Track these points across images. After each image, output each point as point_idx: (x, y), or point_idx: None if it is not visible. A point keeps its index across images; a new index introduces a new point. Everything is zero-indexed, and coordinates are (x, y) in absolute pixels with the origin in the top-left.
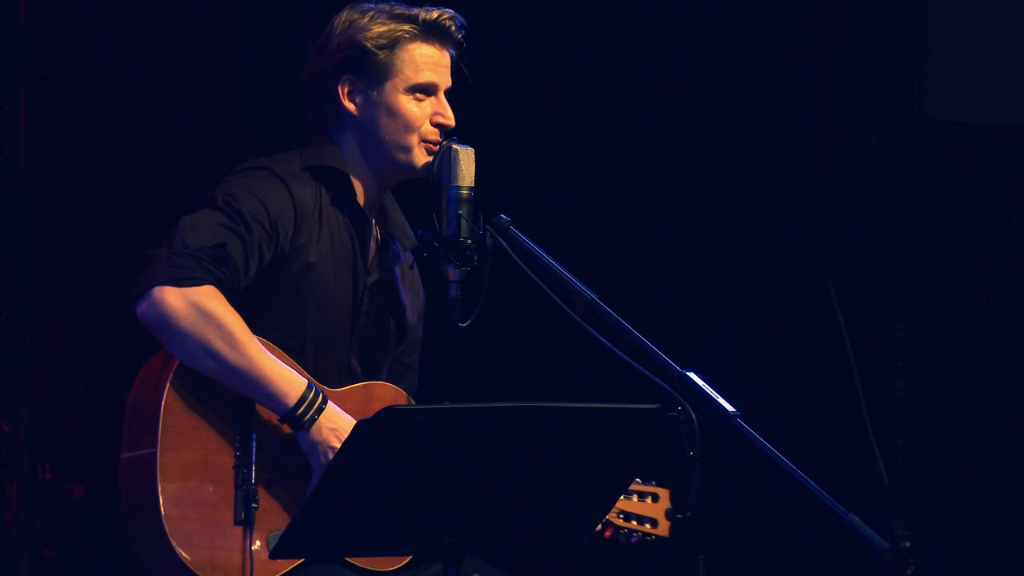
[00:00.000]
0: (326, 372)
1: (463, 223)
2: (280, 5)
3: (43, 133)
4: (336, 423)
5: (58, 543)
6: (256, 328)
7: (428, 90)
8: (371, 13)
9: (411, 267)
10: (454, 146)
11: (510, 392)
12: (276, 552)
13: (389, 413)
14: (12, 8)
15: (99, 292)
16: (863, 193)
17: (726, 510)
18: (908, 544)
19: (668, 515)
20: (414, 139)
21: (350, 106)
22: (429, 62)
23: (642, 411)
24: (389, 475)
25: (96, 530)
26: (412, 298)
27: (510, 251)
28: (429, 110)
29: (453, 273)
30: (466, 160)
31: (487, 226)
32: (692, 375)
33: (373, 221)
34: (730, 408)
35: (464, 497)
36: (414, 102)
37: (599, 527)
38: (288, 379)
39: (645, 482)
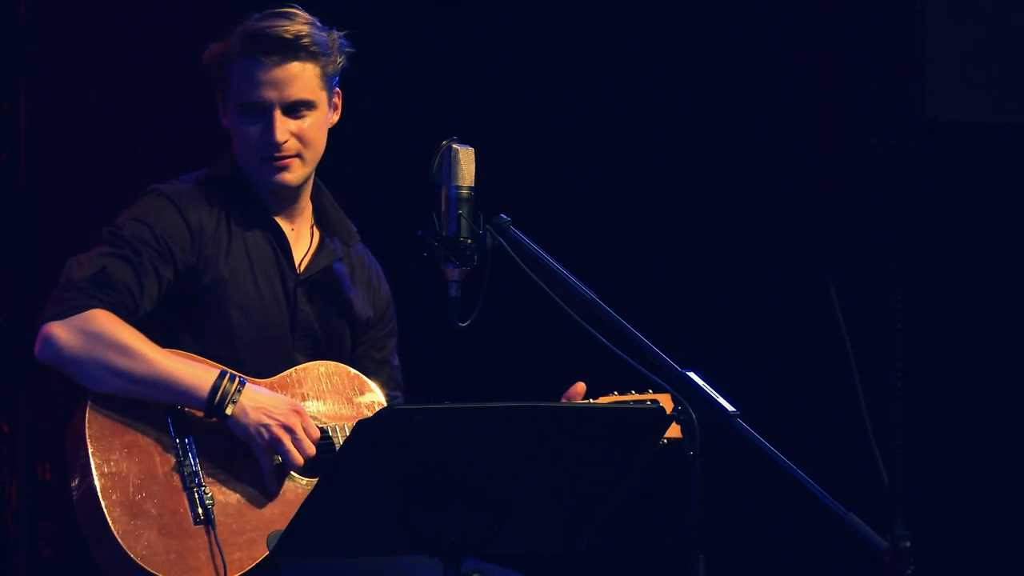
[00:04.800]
0: (272, 375)
1: (463, 223)
2: (280, 5)
3: (43, 133)
4: (259, 401)
5: (58, 543)
6: (191, 347)
7: (256, 108)
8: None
9: (345, 258)
10: (454, 146)
11: (510, 392)
12: (276, 551)
13: (388, 413)
14: (12, 8)
15: None
16: (863, 193)
17: (726, 510)
18: (908, 544)
19: (674, 417)
20: (254, 159)
21: (225, 125)
22: (249, 80)
23: (642, 411)
24: (389, 475)
25: None
26: (364, 293)
27: (510, 251)
28: (261, 128)
29: (453, 273)
30: (466, 160)
31: (487, 226)
32: (692, 375)
33: (310, 221)
34: (730, 408)
35: (464, 497)
36: (247, 122)
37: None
38: (196, 373)
39: (641, 392)
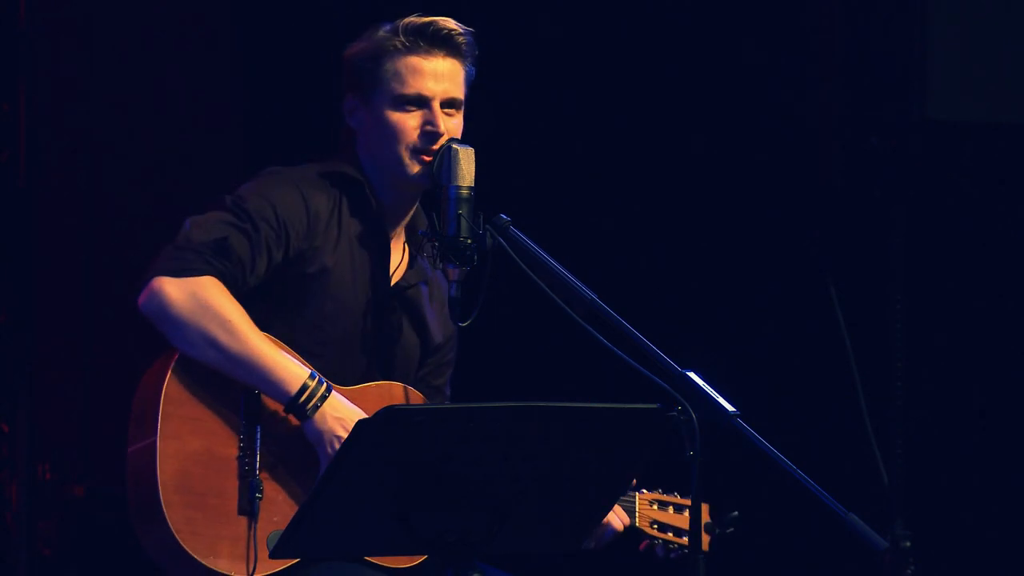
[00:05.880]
0: (345, 377)
1: (463, 223)
2: (281, 5)
3: (43, 133)
4: (341, 413)
5: (58, 543)
6: (277, 331)
7: (417, 101)
8: (373, 30)
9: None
10: (454, 146)
11: (511, 392)
12: (276, 552)
13: (389, 413)
14: (12, 8)
15: (99, 292)
16: (863, 193)
17: (726, 510)
18: (908, 544)
19: (707, 529)
20: (404, 151)
21: (354, 123)
22: (414, 72)
23: (642, 411)
24: (389, 475)
25: (96, 530)
26: (440, 318)
27: (510, 251)
28: (418, 121)
29: (453, 273)
30: (466, 160)
31: (487, 226)
32: (692, 375)
33: (403, 235)
34: (730, 408)
35: (464, 497)
36: (402, 114)
37: (627, 537)
38: (290, 368)
39: (683, 495)
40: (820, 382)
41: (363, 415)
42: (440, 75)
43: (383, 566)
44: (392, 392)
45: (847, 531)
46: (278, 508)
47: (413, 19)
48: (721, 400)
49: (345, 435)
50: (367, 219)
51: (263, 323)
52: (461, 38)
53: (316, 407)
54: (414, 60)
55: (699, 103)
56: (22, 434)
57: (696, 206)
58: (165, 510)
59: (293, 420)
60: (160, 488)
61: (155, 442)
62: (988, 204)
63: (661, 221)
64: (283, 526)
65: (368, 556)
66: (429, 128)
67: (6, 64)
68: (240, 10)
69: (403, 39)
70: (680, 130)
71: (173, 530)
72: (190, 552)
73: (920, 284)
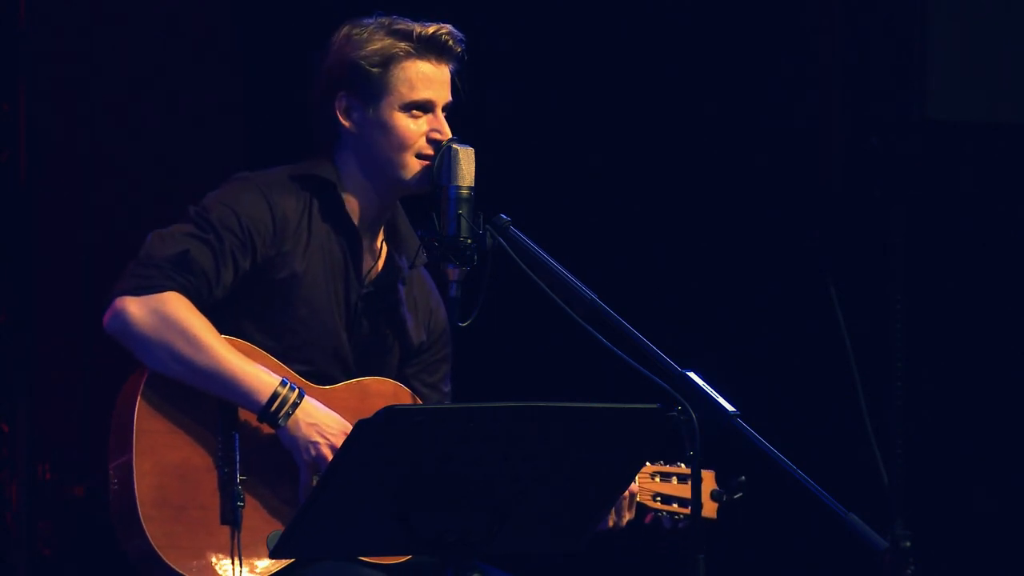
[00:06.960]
0: (325, 380)
1: (463, 223)
2: (281, 5)
3: (43, 133)
4: (315, 417)
5: (58, 543)
6: (253, 338)
7: (424, 107)
8: (369, 29)
9: (404, 278)
10: (454, 146)
11: (511, 392)
12: (276, 552)
13: (389, 413)
14: (12, 8)
15: (99, 292)
16: (863, 193)
17: (726, 510)
18: (908, 544)
19: (714, 496)
20: (409, 156)
21: (347, 123)
22: (424, 79)
23: (642, 411)
24: (389, 475)
25: (96, 530)
26: (420, 316)
27: (510, 251)
28: (425, 127)
29: (453, 273)
30: (466, 160)
31: (487, 226)
32: (692, 375)
33: (380, 236)
34: (730, 408)
35: (464, 497)
36: (409, 119)
37: (633, 514)
38: (260, 377)
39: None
40: (820, 382)
41: (338, 418)
42: (444, 83)
43: (378, 563)
44: (374, 389)
45: (847, 531)
46: (260, 515)
47: (424, 25)
48: (721, 400)
49: (320, 440)
50: (339, 221)
51: (238, 330)
52: (460, 47)
53: (288, 414)
54: (425, 67)
55: (699, 103)
56: (22, 434)
57: (696, 206)
58: (145, 525)
59: (268, 429)
60: (138, 504)
61: (131, 459)
62: (988, 204)
63: (661, 221)
64: (266, 533)
65: (367, 556)
66: (436, 135)
67: (6, 64)
68: (240, 10)
69: (415, 44)
70: (680, 130)
71: (155, 545)
72: (173, 566)
73: (920, 284)
